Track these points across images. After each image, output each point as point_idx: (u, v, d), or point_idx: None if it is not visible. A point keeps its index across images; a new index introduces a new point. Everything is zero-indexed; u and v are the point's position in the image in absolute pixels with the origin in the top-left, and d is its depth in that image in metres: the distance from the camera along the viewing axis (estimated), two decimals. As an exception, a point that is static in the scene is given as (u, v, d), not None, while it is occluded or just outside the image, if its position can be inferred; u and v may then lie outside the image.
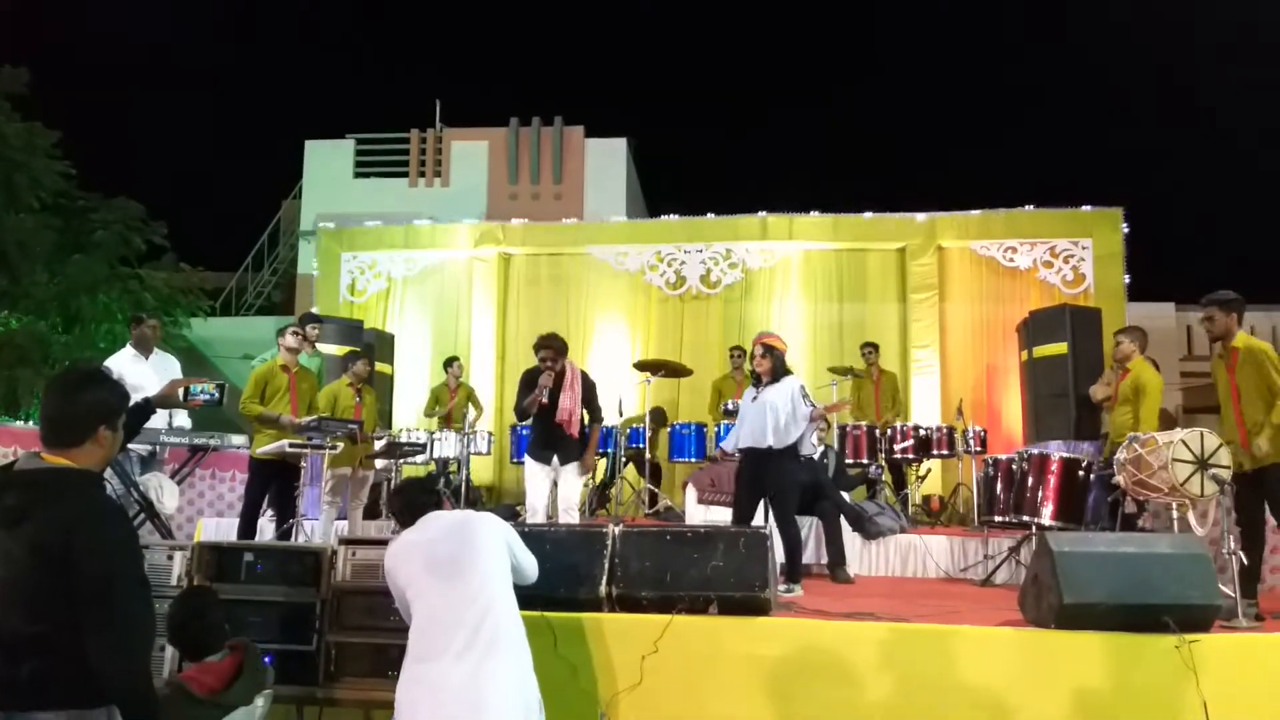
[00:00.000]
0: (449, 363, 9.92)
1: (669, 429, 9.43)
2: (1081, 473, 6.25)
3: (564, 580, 4.27)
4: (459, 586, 3.25)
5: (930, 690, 3.94)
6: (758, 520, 5.90)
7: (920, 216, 10.65)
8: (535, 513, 6.16)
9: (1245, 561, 4.72)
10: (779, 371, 5.96)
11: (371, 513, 7.98)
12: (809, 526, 6.95)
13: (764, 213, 11.00)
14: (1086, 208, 10.47)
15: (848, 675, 4.00)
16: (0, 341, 12.72)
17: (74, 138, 13.47)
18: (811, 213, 10.92)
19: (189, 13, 32.16)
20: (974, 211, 10.64)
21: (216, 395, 3.62)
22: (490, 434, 9.76)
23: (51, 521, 2.31)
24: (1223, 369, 5.33)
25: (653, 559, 4.32)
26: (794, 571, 5.75)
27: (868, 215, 10.83)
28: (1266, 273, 21.51)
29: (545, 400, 5.95)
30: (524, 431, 7.70)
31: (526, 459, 6.23)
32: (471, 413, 9.33)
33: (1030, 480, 6.38)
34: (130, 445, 5.43)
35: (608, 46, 36.22)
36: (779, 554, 5.31)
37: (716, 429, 8.95)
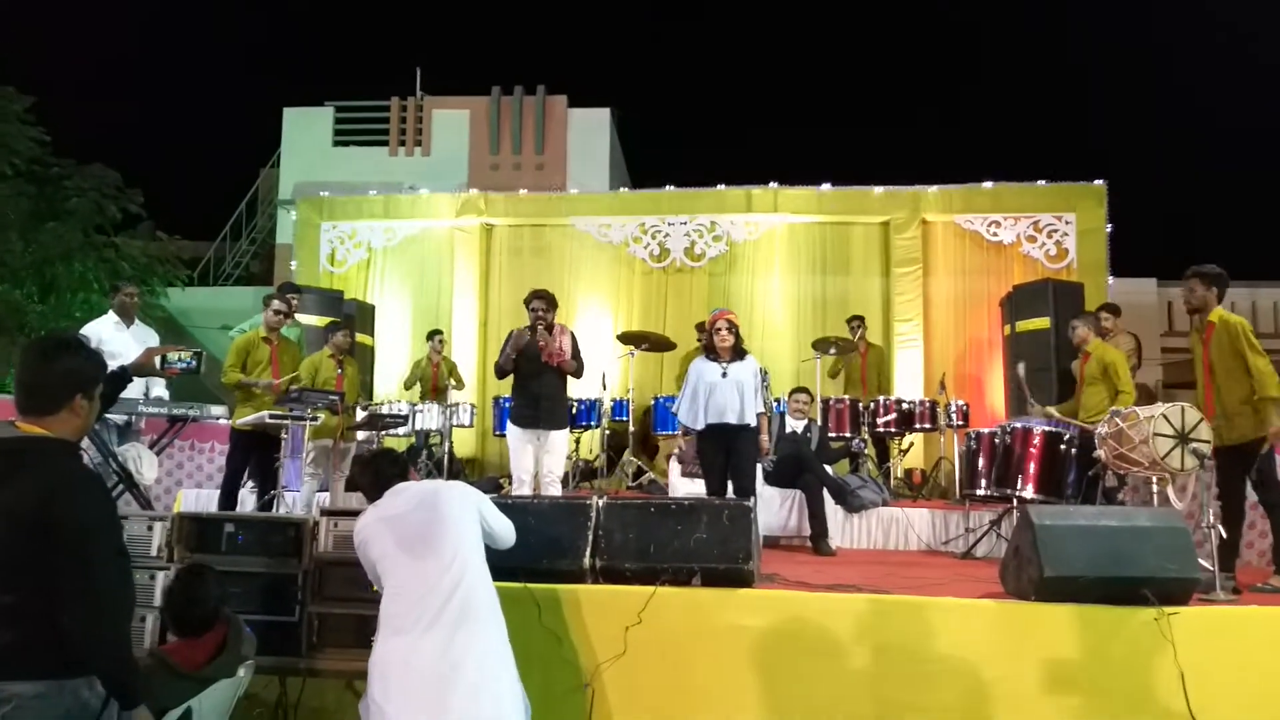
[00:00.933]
0: (432, 335, 9.85)
1: (653, 402, 9.42)
2: (1063, 446, 6.29)
3: (548, 552, 4.27)
4: (430, 558, 3.23)
5: (912, 661, 3.97)
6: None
7: (905, 190, 10.63)
8: (522, 484, 6.13)
9: (1224, 535, 4.78)
10: (741, 349, 6.11)
11: (354, 484, 7.92)
12: (792, 499, 6.99)
13: (749, 185, 10.93)
14: (1070, 183, 10.47)
15: (830, 646, 4.02)
16: (-25, 310, 12.52)
17: (48, 103, 13.21)
18: (797, 185, 10.87)
19: (165, -24, 31.52)
20: (958, 186, 10.62)
21: (194, 363, 3.57)
22: (473, 406, 9.71)
23: (27, 491, 2.27)
24: (1198, 342, 5.37)
25: (636, 531, 4.31)
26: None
27: (853, 188, 10.79)
28: (1249, 250, 21.70)
29: (531, 341, 5.98)
30: (506, 404, 7.66)
31: (509, 428, 6.20)
32: (452, 389, 9.29)
33: (1012, 454, 6.42)
34: (107, 414, 5.36)
35: (592, 16, 35.86)
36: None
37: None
